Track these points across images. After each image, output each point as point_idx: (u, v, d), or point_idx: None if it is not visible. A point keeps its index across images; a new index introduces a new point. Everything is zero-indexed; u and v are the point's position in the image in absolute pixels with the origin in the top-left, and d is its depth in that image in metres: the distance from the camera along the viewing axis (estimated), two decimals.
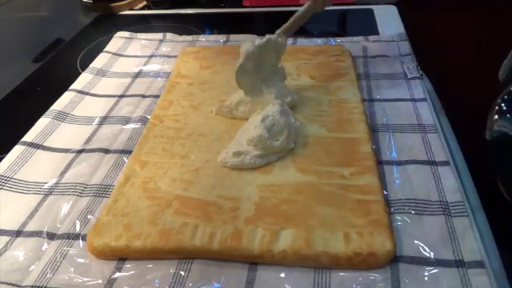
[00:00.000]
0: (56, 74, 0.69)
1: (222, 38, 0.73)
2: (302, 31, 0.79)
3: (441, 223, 0.38)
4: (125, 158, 0.48)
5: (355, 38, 0.68)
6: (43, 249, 0.38)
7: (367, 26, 0.76)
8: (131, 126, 0.53)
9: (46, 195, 0.44)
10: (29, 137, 0.51)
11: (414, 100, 0.53)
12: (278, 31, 0.52)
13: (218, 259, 0.37)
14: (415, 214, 0.39)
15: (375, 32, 0.73)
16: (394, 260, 0.35)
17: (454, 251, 0.36)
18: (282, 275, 0.35)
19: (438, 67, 0.63)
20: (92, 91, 0.60)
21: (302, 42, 0.69)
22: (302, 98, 0.53)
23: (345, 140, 0.47)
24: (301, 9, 0.56)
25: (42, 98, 0.60)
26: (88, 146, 0.50)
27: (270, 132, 0.44)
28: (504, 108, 0.33)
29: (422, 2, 0.94)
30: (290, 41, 0.69)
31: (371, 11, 0.82)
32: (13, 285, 0.36)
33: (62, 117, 0.54)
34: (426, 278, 0.34)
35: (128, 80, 0.62)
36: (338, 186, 0.41)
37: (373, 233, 0.36)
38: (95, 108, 0.56)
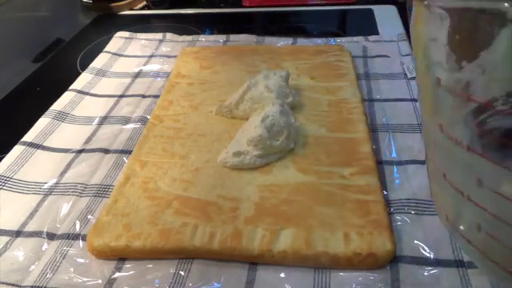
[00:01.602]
0: (56, 74, 0.69)
1: (221, 38, 0.73)
2: (301, 31, 0.79)
3: (441, 223, 0.38)
4: (125, 158, 0.48)
5: (355, 38, 0.68)
6: (43, 249, 0.38)
7: (367, 26, 0.77)
8: (131, 125, 0.53)
9: (46, 195, 0.44)
10: (29, 137, 0.51)
11: (414, 100, 0.53)
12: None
13: (218, 259, 0.37)
14: (415, 214, 0.39)
15: (375, 32, 0.73)
16: (394, 260, 0.35)
17: (454, 251, 0.36)
18: (282, 275, 0.35)
19: None
20: (92, 91, 0.60)
21: (302, 42, 0.69)
22: (301, 98, 0.53)
23: (345, 140, 0.47)
24: None
25: (42, 97, 0.60)
26: (88, 146, 0.50)
27: (270, 132, 0.44)
28: None
29: None
30: (289, 41, 0.69)
31: (371, 11, 0.82)
32: (13, 285, 0.36)
33: (61, 117, 0.54)
34: (425, 278, 0.34)
35: (128, 80, 0.62)
36: (337, 186, 0.41)
37: (373, 233, 0.36)
38: (95, 108, 0.56)
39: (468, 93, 0.20)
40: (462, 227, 0.25)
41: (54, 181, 0.45)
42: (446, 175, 0.24)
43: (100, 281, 0.35)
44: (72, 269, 0.36)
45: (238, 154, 0.44)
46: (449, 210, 0.26)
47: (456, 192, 0.23)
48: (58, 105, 0.56)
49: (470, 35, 0.19)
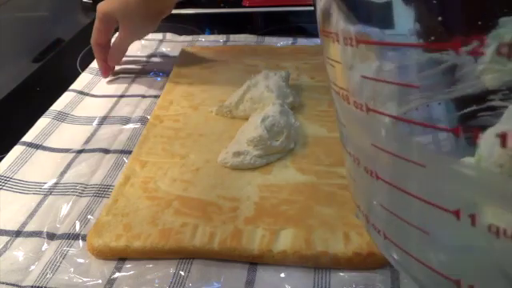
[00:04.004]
0: (56, 74, 0.69)
1: (221, 38, 0.73)
2: (301, 31, 0.79)
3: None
4: (125, 158, 0.48)
5: None
6: (43, 249, 0.38)
7: None
8: (131, 125, 0.53)
9: (46, 195, 0.44)
10: (29, 137, 0.51)
11: None
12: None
13: (217, 259, 0.37)
14: None
15: None
16: None
17: None
18: (282, 275, 0.35)
19: None
20: (92, 91, 0.60)
21: (302, 42, 0.69)
22: (301, 98, 0.53)
23: None
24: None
25: (41, 97, 0.60)
26: (88, 146, 0.50)
27: (270, 132, 0.44)
28: None
29: None
30: (289, 41, 0.69)
31: None
32: (13, 285, 0.35)
33: (61, 117, 0.54)
34: None
35: (128, 80, 0.62)
36: (337, 185, 0.41)
37: None
38: (95, 108, 0.56)
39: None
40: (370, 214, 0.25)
41: (54, 181, 0.45)
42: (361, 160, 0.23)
43: (100, 281, 0.35)
44: (72, 269, 0.36)
45: (237, 154, 0.43)
46: (361, 199, 0.26)
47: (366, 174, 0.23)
48: (58, 105, 0.56)
49: None
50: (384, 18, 0.18)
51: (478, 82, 0.17)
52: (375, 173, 0.21)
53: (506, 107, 0.16)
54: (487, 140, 0.16)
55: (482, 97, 0.17)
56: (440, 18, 0.16)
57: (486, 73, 0.16)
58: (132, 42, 0.62)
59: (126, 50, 0.62)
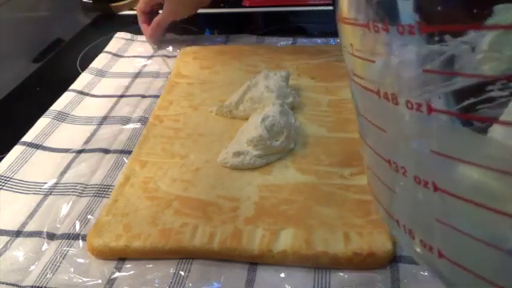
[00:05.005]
0: (56, 74, 0.69)
1: (221, 38, 0.73)
2: (302, 31, 0.79)
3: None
4: (125, 158, 0.48)
5: None
6: (43, 249, 0.38)
7: None
8: (131, 126, 0.53)
9: (46, 195, 0.44)
10: (29, 137, 0.51)
11: None
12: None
13: (217, 259, 0.37)
14: None
15: None
16: (394, 260, 0.35)
17: None
18: (282, 275, 0.35)
19: None
20: (92, 91, 0.60)
21: (302, 42, 0.69)
22: (301, 98, 0.53)
23: (345, 140, 0.47)
24: None
25: (41, 98, 0.60)
26: (88, 146, 0.50)
27: (270, 132, 0.44)
28: None
29: None
30: (289, 41, 0.69)
31: None
32: (13, 285, 0.36)
33: (61, 117, 0.54)
34: (426, 278, 0.34)
35: (128, 80, 0.62)
36: (337, 186, 0.41)
37: (372, 233, 0.36)
38: (95, 108, 0.56)
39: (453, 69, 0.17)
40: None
41: (54, 181, 0.45)
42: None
43: (100, 281, 0.35)
44: (72, 269, 0.36)
45: (237, 154, 0.43)
46: (400, 212, 0.24)
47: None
48: (58, 105, 0.56)
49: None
50: (389, 10, 0.18)
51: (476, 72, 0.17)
52: (432, 183, 0.19)
53: (504, 97, 0.16)
54: None
55: (480, 88, 0.16)
56: (439, 8, 0.16)
57: (485, 62, 0.16)
58: (171, 21, 0.69)
59: (165, 26, 0.69)
